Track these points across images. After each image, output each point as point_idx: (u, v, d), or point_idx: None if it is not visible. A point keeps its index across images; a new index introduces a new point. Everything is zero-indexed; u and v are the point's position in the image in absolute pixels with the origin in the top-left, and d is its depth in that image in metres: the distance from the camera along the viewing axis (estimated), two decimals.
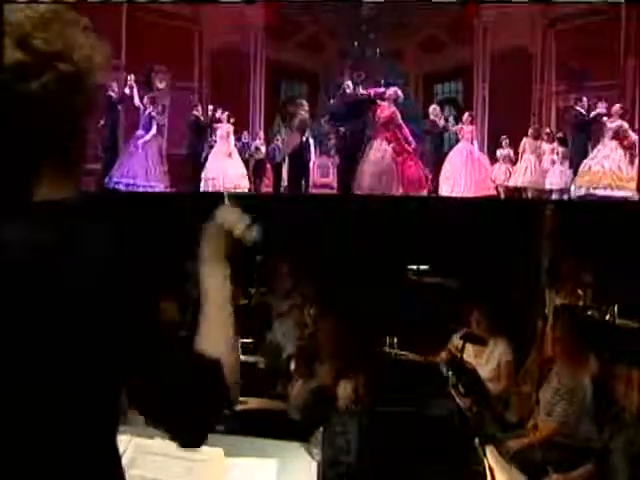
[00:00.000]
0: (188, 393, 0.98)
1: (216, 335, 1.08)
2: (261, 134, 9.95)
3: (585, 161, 7.84)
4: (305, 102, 9.20)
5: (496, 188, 9.01)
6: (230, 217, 1.20)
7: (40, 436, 0.88)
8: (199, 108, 9.11)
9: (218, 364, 1.03)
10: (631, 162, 7.73)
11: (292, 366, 4.37)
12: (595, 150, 7.85)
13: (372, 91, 8.67)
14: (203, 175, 8.71)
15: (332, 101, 9.61)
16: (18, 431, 0.88)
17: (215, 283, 1.14)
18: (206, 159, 8.90)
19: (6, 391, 0.87)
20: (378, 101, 8.43)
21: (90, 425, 0.93)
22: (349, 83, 8.93)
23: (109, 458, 0.99)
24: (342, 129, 8.69)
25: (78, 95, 0.95)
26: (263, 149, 9.49)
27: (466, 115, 8.92)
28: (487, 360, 4.61)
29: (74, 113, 0.96)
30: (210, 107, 9.27)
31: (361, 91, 8.69)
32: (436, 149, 8.75)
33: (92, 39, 0.96)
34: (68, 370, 0.89)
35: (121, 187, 8.09)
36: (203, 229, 1.20)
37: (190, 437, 1.02)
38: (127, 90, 8.50)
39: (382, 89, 8.68)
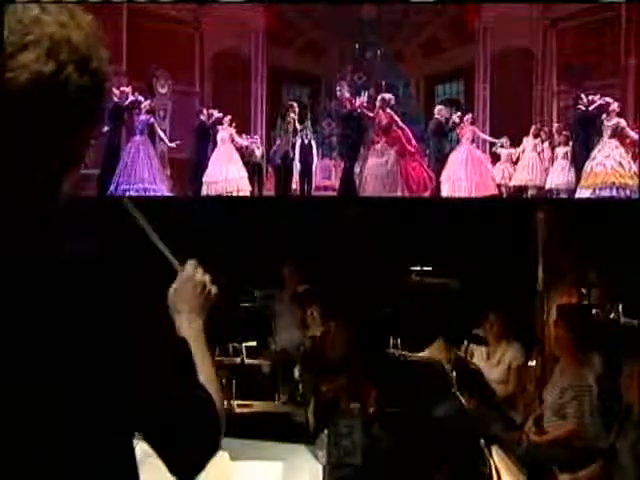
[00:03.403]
0: (187, 423, 0.98)
1: (205, 379, 1.08)
2: (262, 137, 9.97)
3: (587, 163, 7.83)
4: (295, 104, 9.20)
5: (498, 188, 9.00)
6: (196, 273, 1.29)
7: (53, 446, 0.87)
8: (204, 112, 9.13)
9: (211, 398, 1.03)
10: (633, 159, 7.72)
11: (296, 369, 4.37)
12: (595, 150, 7.84)
13: (359, 103, 8.64)
14: (204, 179, 8.72)
15: (333, 104, 9.62)
16: (30, 444, 0.86)
17: (192, 334, 1.18)
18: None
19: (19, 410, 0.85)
20: (371, 113, 8.44)
21: (107, 435, 0.92)
22: (345, 93, 8.89)
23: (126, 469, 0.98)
24: (343, 132, 8.70)
25: (100, 107, 0.95)
26: (263, 152, 9.51)
27: (467, 115, 8.92)
28: (498, 362, 4.62)
29: (96, 124, 0.96)
30: (212, 111, 9.27)
31: (353, 106, 8.65)
32: (439, 150, 8.74)
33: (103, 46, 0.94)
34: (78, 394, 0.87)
35: (132, 193, 8.09)
36: (172, 287, 1.27)
37: (186, 469, 1.02)
38: (130, 96, 8.50)
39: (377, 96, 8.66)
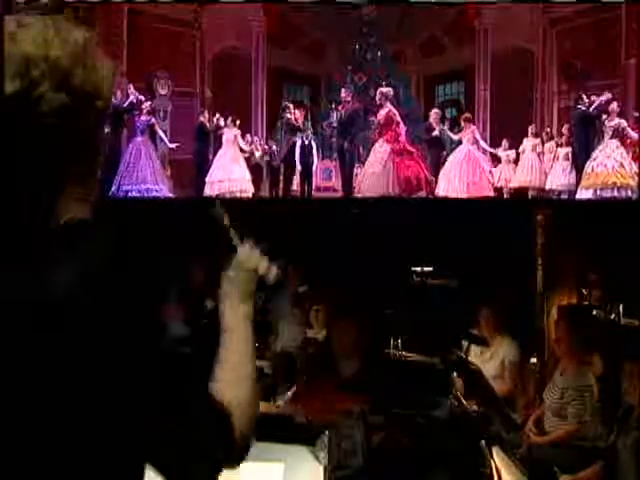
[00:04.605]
0: (188, 442, 0.91)
1: (232, 379, 1.01)
2: (263, 138, 9.98)
3: (587, 163, 7.83)
4: (292, 105, 9.21)
5: (500, 189, 9.01)
6: (251, 257, 1.20)
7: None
8: (205, 114, 9.13)
9: (227, 413, 0.95)
10: (633, 159, 7.72)
11: (298, 370, 4.36)
12: (596, 151, 7.84)
13: (359, 103, 8.68)
14: (207, 178, 8.72)
15: (334, 106, 9.62)
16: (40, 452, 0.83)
17: (237, 323, 1.10)
18: (211, 164, 8.91)
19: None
20: (371, 114, 8.46)
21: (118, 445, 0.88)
22: (347, 96, 8.90)
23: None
24: (344, 133, 8.71)
25: (103, 124, 0.92)
26: (265, 153, 9.52)
27: (467, 116, 8.92)
28: (491, 357, 4.60)
29: (101, 141, 0.94)
30: (216, 113, 9.29)
31: (355, 105, 8.68)
32: (434, 151, 8.77)
33: (103, 57, 0.90)
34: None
35: (134, 194, 8.09)
36: (224, 270, 1.18)
37: None
38: (132, 98, 8.51)
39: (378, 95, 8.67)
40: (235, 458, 1.00)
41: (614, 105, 7.86)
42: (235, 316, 1.11)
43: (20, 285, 0.82)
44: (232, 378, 1.01)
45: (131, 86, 8.61)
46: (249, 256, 1.20)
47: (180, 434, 0.91)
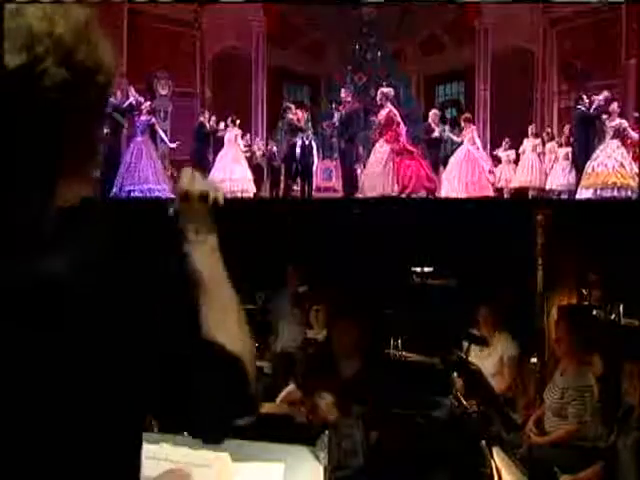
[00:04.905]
0: (211, 389, 0.91)
1: (223, 320, 0.99)
2: (263, 138, 9.99)
3: (588, 163, 7.83)
4: (293, 105, 9.22)
5: (501, 189, 9.02)
6: (195, 181, 1.10)
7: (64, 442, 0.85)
8: (205, 114, 9.14)
9: (238, 356, 0.94)
10: (634, 159, 7.73)
11: (299, 370, 4.36)
12: (597, 151, 7.84)
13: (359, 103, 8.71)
14: (209, 178, 8.72)
15: (334, 106, 9.63)
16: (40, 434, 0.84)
17: (207, 260, 1.04)
18: (211, 164, 8.92)
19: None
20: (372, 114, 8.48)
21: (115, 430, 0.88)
22: (347, 96, 8.91)
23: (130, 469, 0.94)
24: (344, 133, 8.72)
25: (104, 103, 0.93)
26: (264, 153, 9.53)
27: (467, 116, 8.92)
28: (489, 354, 4.61)
29: (102, 118, 0.94)
30: (216, 113, 9.29)
31: (355, 105, 8.70)
32: (434, 151, 8.78)
33: (102, 38, 0.90)
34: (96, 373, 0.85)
35: (137, 194, 8.09)
36: (172, 200, 1.10)
37: (213, 435, 0.97)
38: (132, 99, 8.51)
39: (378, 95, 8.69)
40: (252, 403, 0.99)
41: (615, 105, 7.86)
42: (202, 253, 1.05)
43: (20, 267, 0.83)
44: (222, 318, 0.99)
45: (132, 88, 8.61)
46: (192, 180, 1.10)
47: (197, 389, 0.90)
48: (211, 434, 0.97)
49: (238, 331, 1.00)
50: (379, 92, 8.51)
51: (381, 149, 8.19)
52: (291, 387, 4.03)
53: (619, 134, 7.73)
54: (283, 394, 4.03)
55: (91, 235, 0.87)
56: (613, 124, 7.76)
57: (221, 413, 0.94)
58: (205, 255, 1.05)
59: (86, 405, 0.85)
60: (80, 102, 0.87)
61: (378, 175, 8.08)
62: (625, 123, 7.80)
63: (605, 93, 8.09)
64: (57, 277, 0.83)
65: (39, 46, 0.83)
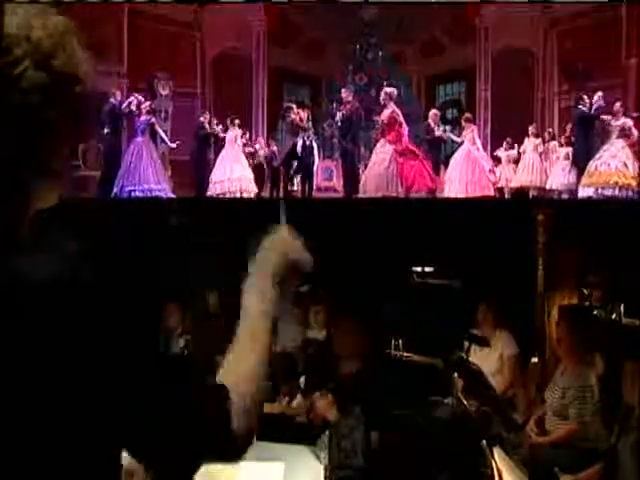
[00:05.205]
0: (181, 436, 0.88)
1: (239, 369, 0.97)
2: (264, 138, 9.99)
3: (591, 162, 7.81)
4: (295, 105, 9.22)
5: (501, 189, 9.01)
6: (289, 238, 1.12)
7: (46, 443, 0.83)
8: (206, 114, 9.14)
9: (226, 408, 0.91)
10: (637, 159, 7.72)
11: (298, 369, 4.36)
12: (601, 150, 7.82)
13: (359, 105, 8.72)
14: (210, 178, 8.72)
15: (335, 106, 9.63)
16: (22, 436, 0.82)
17: (258, 307, 1.03)
18: (212, 164, 8.92)
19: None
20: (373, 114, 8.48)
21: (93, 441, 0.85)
22: (347, 96, 8.90)
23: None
24: (345, 133, 8.71)
25: (81, 113, 0.93)
26: (266, 153, 9.53)
27: (468, 116, 8.92)
28: (490, 353, 4.60)
29: (76, 130, 0.94)
30: (216, 114, 9.29)
31: (356, 105, 8.70)
32: (434, 152, 8.78)
33: (81, 49, 0.91)
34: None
35: (137, 194, 8.09)
36: (258, 246, 1.09)
37: (177, 476, 0.92)
38: (132, 100, 8.50)
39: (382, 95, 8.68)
40: (233, 450, 0.95)
41: (618, 105, 7.85)
42: (258, 300, 1.04)
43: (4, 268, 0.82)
44: (240, 369, 0.97)
45: (135, 95, 8.59)
46: (289, 235, 1.12)
47: (175, 419, 0.88)
48: (176, 476, 0.92)
49: (244, 380, 0.96)
50: (382, 92, 8.50)
51: (383, 149, 8.18)
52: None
53: (624, 133, 7.72)
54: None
55: (69, 237, 0.86)
56: (618, 123, 7.74)
57: (185, 456, 0.90)
58: (261, 303, 1.05)
59: (49, 421, 0.81)
60: (58, 106, 0.88)
61: (382, 176, 8.08)
62: (630, 122, 7.79)
63: (599, 93, 8.09)
64: (32, 280, 0.81)
65: (17, 49, 0.84)
